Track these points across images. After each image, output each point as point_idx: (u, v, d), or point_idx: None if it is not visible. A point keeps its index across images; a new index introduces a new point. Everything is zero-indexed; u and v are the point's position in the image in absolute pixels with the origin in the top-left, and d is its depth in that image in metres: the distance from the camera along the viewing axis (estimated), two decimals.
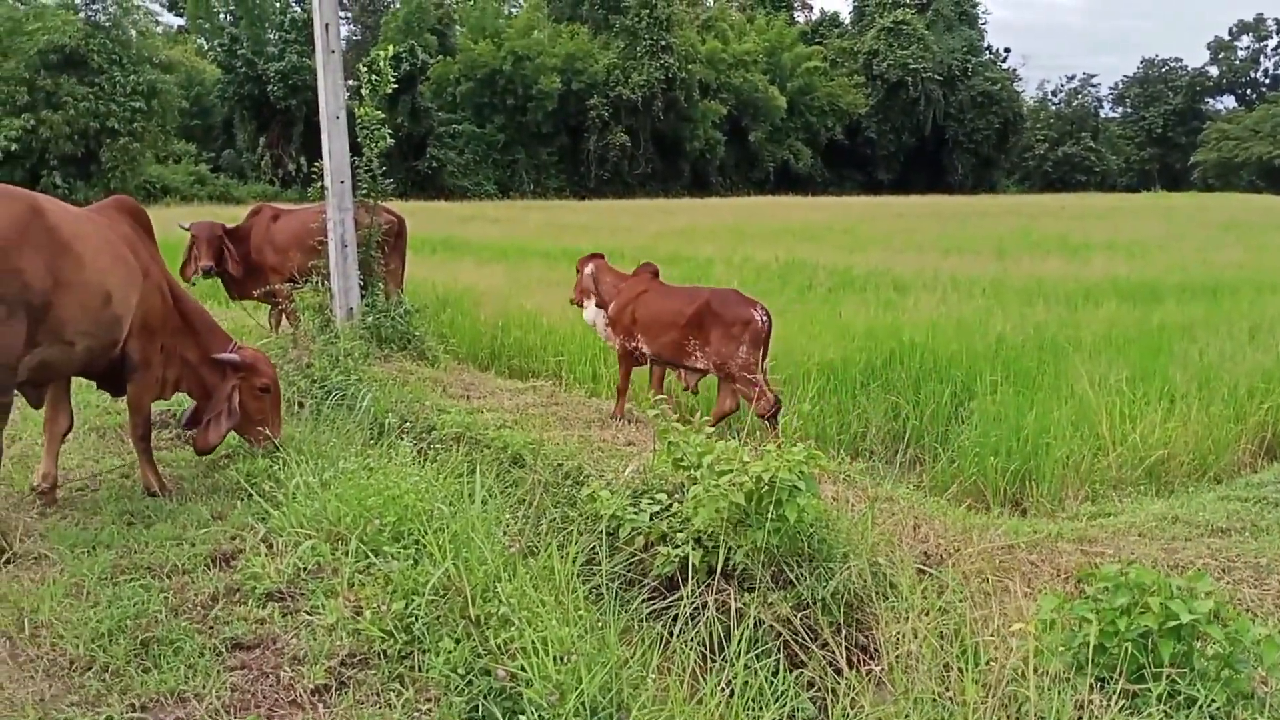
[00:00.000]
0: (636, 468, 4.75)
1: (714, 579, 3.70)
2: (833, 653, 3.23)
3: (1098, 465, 5.99)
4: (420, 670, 3.03)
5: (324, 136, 7.87)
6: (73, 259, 4.11)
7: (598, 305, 6.77)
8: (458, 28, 58.49)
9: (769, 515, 3.73)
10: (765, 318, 6.00)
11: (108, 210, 4.76)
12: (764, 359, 6.04)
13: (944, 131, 68.41)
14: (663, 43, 55.51)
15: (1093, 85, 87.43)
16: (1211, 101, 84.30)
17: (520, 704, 2.77)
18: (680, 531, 3.89)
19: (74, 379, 4.81)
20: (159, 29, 50.02)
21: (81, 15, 38.59)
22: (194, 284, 8.24)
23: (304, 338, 7.39)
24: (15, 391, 4.24)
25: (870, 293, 12.01)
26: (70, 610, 3.40)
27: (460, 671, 2.94)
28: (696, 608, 3.52)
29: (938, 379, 7.55)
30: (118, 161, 38.49)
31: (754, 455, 3.96)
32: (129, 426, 4.91)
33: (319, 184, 8.02)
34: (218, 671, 3.05)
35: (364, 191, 8.23)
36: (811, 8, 79.33)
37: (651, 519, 4.03)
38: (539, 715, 2.70)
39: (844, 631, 3.61)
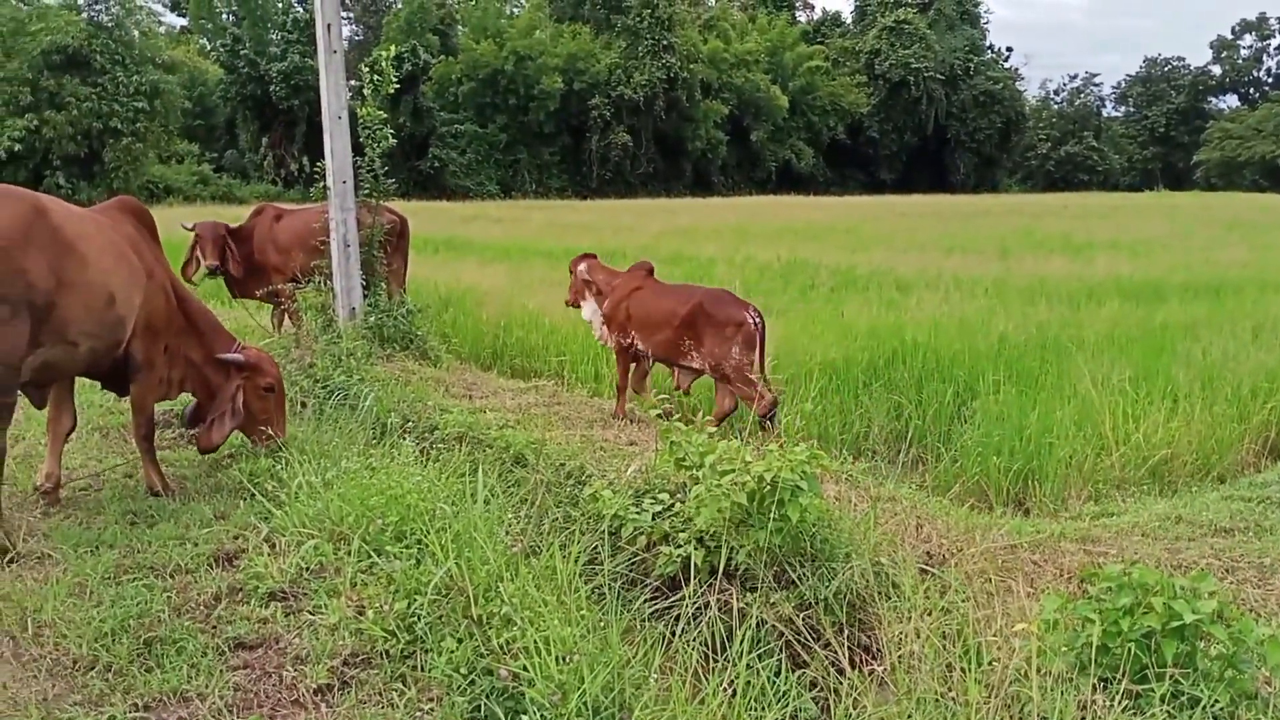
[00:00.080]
0: (639, 467, 4.74)
1: (716, 579, 3.69)
2: (835, 653, 3.22)
3: (1101, 465, 5.98)
4: (423, 670, 3.03)
5: (326, 136, 7.88)
6: (76, 259, 4.12)
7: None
8: (460, 28, 58.46)
9: (771, 515, 3.72)
10: (757, 319, 6.01)
11: (111, 211, 4.77)
12: (762, 360, 6.04)
13: (946, 131, 68.38)
14: (664, 42, 55.53)
15: (1095, 84, 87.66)
16: (1214, 100, 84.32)
17: (522, 704, 2.77)
18: (682, 531, 3.88)
19: (77, 379, 4.82)
20: (161, 29, 50.18)
21: (84, 16, 38.70)
22: (196, 284, 8.26)
23: (306, 337, 7.41)
24: (19, 391, 4.24)
25: (873, 292, 12.00)
26: (73, 610, 3.41)
27: (463, 671, 2.94)
28: (699, 608, 3.51)
29: (940, 378, 7.54)
30: (121, 162, 38.59)
31: (756, 455, 3.95)
32: (132, 426, 4.92)
33: (321, 184, 8.03)
34: (220, 671, 3.06)
35: (366, 191, 8.24)
36: (813, 7, 79.28)
37: (654, 519, 4.02)
38: (541, 715, 2.71)
39: (846, 631, 3.59)
